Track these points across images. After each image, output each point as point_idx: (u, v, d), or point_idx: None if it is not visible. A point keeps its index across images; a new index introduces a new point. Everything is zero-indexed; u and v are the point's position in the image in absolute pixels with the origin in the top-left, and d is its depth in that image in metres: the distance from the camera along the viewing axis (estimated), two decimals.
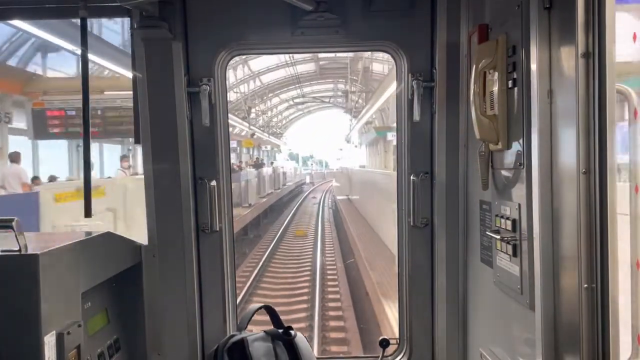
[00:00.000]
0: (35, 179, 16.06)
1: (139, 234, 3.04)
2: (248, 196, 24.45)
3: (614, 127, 1.71)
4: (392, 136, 25.83)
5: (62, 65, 19.37)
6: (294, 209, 34.59)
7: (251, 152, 42.23)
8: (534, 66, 1.96)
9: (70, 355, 2.16)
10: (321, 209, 35.23)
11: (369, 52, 24.45)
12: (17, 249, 2.02)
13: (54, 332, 2.07)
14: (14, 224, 2.04)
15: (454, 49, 2.89)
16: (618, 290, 1.75)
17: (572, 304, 1.83)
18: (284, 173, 44.18)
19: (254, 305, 3.08)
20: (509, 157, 2.30)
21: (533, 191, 2.00)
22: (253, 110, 36.74)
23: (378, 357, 3.13)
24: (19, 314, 1.99)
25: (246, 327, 2.97)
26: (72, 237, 2.41)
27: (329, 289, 14.66)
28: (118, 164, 18.78)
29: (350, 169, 38.15)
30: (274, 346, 2.88)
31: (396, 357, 3.19)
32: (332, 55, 31.28)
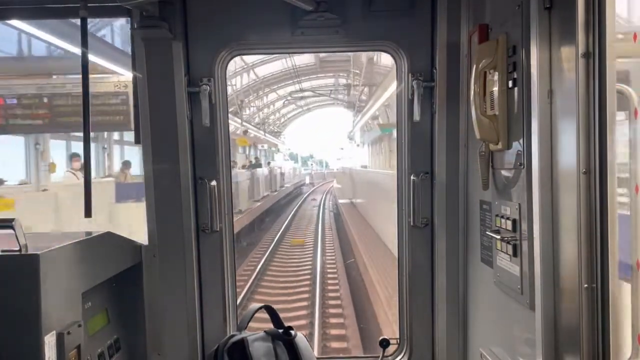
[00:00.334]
0: None
1: None
2: (239, 201, 21.41)
3: (614, 127, 1.71)
4: None
5: None
6: (292, 212, 31.82)
7: (247, 152, 39.89)
8: (534, 66, 1.96)
9: (71, 355, 2.16)
10: (321, 212, 32.48)
11: None
12: (17, 249, 2.02)
13: (54, 332, 2.07)
14: (14, 224, 2.04)
15: (454, 49, 2.89)
16: (618, 290, 1.75)
17: (572, 304, 1.83)
18: (282, 174, 42.12)
19: (254, 305, 3.08)
20: (509, 157, 2.30)
21: (533, 191, 2.00)
22: (248, 105, 34.46)
23: (378, 357, 3.13)
24: (19, 314, 2.00)
25: (246, 327, 2.97)
26: (73, 237, 2.41)
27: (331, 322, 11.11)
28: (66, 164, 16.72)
29: (353, 170, 35.54)
30: (274, 346, 2.88)
31: (396, 357, 3.19)
32: None
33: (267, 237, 21.74)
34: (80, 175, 14.80)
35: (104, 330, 2.66)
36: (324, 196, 43.86)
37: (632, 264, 2.08)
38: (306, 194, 48.25)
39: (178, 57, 2.91)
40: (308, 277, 14.97)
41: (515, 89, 2.20)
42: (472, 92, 2.41)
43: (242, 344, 2.83)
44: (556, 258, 1.93)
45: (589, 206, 1.76)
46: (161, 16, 2.79)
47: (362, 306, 11.96)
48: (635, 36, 2.01)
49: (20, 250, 2.02)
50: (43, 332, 2.00)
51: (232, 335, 2.91)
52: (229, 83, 3.25)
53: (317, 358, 3.05)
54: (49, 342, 2.04)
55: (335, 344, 10.08)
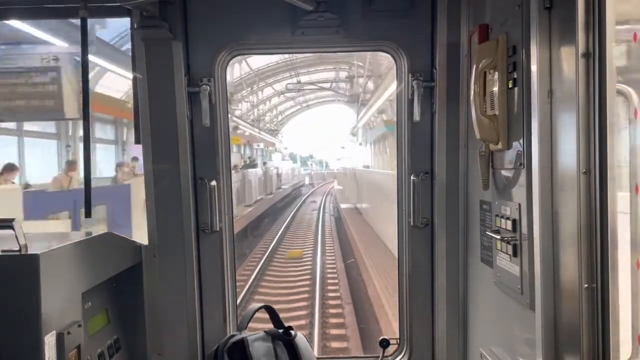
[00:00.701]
0: None
1: None
2: None
3: (614, 127, 1.71)
4: None
5: None
6: (289, 217, 28.47)
7: (242, 151, 36.40)
8: (534, 66, 1.96)
9: (71, 355, 2.16)
10: (321, 216, 29.19)
11: None
12: (17, 249, 2.02)
13: (54, 332, 2.07)
14: (14, 224, 2.04)
15: (454, 49, 2.89)
16: (618, 290, 1.75)
17: (572, 304, 1.83)
18: (279, 174, 38.67)
19: (254, 305, 3.08)
20: (509, 157, 2.30)
21: (533, 191, 2.00)
22: (240, 100, 31.43)
23: (378, 357, 3.13)
24: (19, 314, 1.99)
25: (246, 327, 2.97)
26: (72, 237, 2.41)
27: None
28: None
29: (357, 170, 31.37)
30: (274, 346, 2.88)
31: (396, 357, 3.19)
32: None
33: (259, 248, 18.98)
34: (15, 180, 12.19)
35: (104, 330, 2.66)
36: (323, 198, 41.36)
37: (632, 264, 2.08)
38: (305, 196, 45.30)
39: (178, 57, 2.91)
40: (305, 303, 12.33)
41: (515, 89, 2.20)
42: (472, 92, 2.41)
43: (242, 344, 2.83)
44: (556, 258, 1.93)
45: (589, 206, 1.76)
46: (161, 16, 2.80)
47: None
48: (635, 36, 2.01)
49: (20, 250, 2.02)
50: (43, 332, 2.00)
51: (232, 335, 2.91)
52: None
53: (317, 358, 3.04)
54: (49, 342, 2.04)
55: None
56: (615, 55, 1.72)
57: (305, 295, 12.95)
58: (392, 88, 18.31)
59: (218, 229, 3.07)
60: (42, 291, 1.98)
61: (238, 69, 29.27)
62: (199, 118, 2.99)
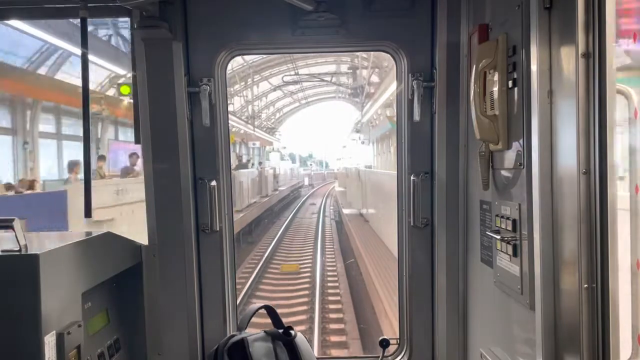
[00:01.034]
0: None
1: None
2: None
3: (614, 127, 1.71)
4: None
5: None
6: (286, 222, 25.97)
7: (237, 150, 33.26)
8: (534, 66, 1.96)
9: (71, 355, 2.16)
10: (321, 222, 26.38)
11: None
12: (17, 249, 2.02)
13: (54, 332, 2.07)
14: (14, 224, 2.04)
15: (454, 49, 2.89)
16: (618, 290, 1.75)
17: (572, 304, 1.83)
18: (276, 175, 36.09)
19: (254, 305, 3.08)
20: (509, 157, 2.30)
21: (533, 191, 2.00)
22: (233, 95, 28.33)
23: (378, 357, 3.13)
24: (19, 314, 1.99)
25: (246, 327, 2.97)
26: (72, 237, 2.41)
27: None
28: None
29: (362, 170, 28.16)
30: (274, 346, 2.87)
31: (396, 357, 3.19)
32: None
33: (249, 261, 16.94)
34: None
35: (104, 330, 2.66)
36: (323, 200, 39.30)
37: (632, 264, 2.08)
38: (304, 197, 43.24)
39: (178, 57, 2.91)
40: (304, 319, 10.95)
41: (515, 89, 2.20)
42: (472, 92, 2.41)
43: (242, 344, 2.83)
44: (556, 258, 1.93)
45: (589, 206, 1.76)
46: (161, 16, 2.79)
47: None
48: (635, 36, 2.01)
49: (20, 250, 2.02)
50: (43, 332, 2.00)
51: (232, 335, 2.91)
52: None
53: (317, 358, 3.04)
54: (49, 342, 2.04)
55: None
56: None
57: (303, 326, 10.96)
58: None
59: (218, 229, 3.07)
60: (42, 291, 1.98)
61: (231, 61, 27.37)
62: (199, 118, 2.99)
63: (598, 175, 1.73)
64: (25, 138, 17.37)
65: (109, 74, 19.57)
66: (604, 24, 1.70)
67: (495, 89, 2.31)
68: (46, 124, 18.64)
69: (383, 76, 25.01)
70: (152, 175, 2.98)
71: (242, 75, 29.12)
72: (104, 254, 2.60)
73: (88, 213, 2.85)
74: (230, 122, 3.16)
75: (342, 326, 11.22)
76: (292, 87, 39.60)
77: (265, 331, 2.95)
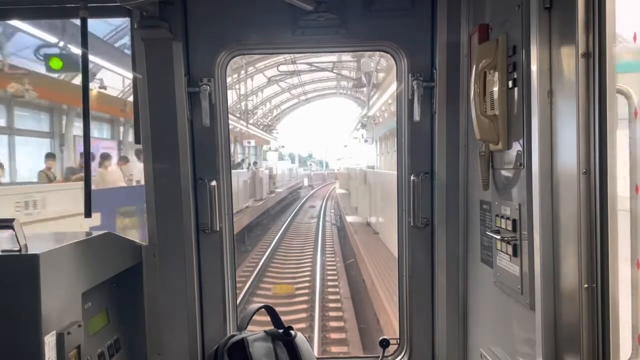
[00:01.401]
0: None
1: None
2: None
3: (614, 127, 1.71)
4: None
5: None
6: (282, 229, 23.21)
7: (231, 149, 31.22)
8: (534, 66, 1.96)
9: (71, 356, 2.16)
10: (322, 228, 23.76)
11: None
12: (17, 249, 2.02)
13: (54, 332, 2.07)
14: (14, 224, 2.04)
15: (454, 49, 2.89)
16: (618, 290, 1.75)
17: (572, 304, 1.83)
18: (272, 176, 33.28)
19: (254, 305, 3.08)
20: (509, 157, 2.30)
21: (533, 191, 2.00)
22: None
23: (378, 357, 3.13)
24: (19, 314, 2.00)
25: (246, 327, 2.97)
26: (73, 237, 2.41)
27: None
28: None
29: (370, 172, 24.21)
30: (274, 346, 2.87)
31: (396, 357, 3.19)
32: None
33: (239, 278, 13.06)
34: None
35: (104, 330, 2.66)
36: (324, 202, 36.35)
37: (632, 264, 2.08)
38: (304, 199, 40.19)
39: (178, 57, 2.91)
40: None
41: (515, 89, 2.20)
42: (472, 92, 2.41)
43: (242, 344, 2.83)
44: (556, 258, 1.93)
45: (589, 206, 1.76)
46: (161, 16, 2.80)
47: None
48: (635, 36, 2.01)
49: (20, 250, 2.02)
50: (43, 332, 2.00)
51: (232, 336, 2.91)
52: None
53: (318, 358, 3.04)
54: (49, 342, 2.04)
55: None
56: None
57: None
58: None
59: (218, 229, 3.07)
60: (42, 291, 1.98)
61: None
62: (199, 118, 3.00)
63: (598, 175, 1.73)
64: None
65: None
66: (604, 24, 1.70)
67: (495, 89, 2.31)
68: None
69: (392, 62, 23.30)
70: (152, 175, 2.98)
71: (235, 67, 27.19)
72: (104, 254, 2.60)
73: (88, 213, 2.85)
74: None
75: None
76: (289, 81, 37.09)
77: (265, 331, 2.95)
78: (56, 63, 10.93)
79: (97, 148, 18.11)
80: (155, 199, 2.99)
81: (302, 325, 11.35)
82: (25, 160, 16.58)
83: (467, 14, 2.83)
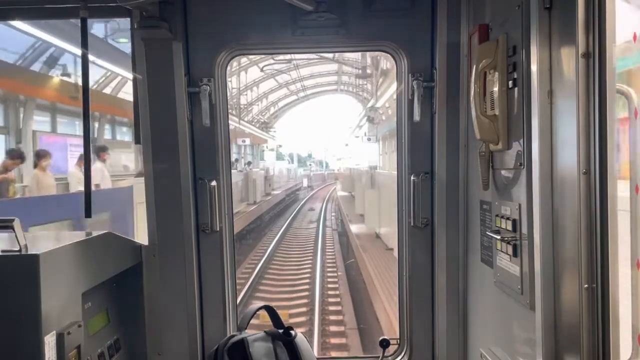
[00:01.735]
0: None
1: None
2: None
3: (614, 127, 1.71)
4: None
5: None
6: (277, 237, 20.45)
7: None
8: (534, 66, 1.96)
9: (71, 356, 2.16)
10: (321, 232, 21.70)
11: None
12: (17, 249, 2.02)
13: (54, 332, 2.07)
14: (14, 224, 2.04)
15: (454, 49, 2.89)
16: (618, 291, 1.75)
17: (572, 304, 1.83)
18: (268, 177, 30.89)
19: (254, 306, 3.08)
20: (509, 157, 2.30)
21: (533, 191, 2.00)
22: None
23: (378, 357, 3.13)
24: (19, 314, 1.99)
25: (246, 327, 2.97)
26: (73, 237, 2.41)
27: None
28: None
29: (380, 173, 20.35)
30: (275, 346, 2.87)
31: (396, 357, 3.19)
32: None
33: None
34: None
35: (104, 330, 2.66)
36: (324, 205, 34.11)
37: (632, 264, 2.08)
38: (302, 201, 37.59)
39: (178, 57, 2.92)
40: None
41: (515, 89, 2.20)
42: (472, 92, 2.41)
43: (242, 344, 2.83)
44: (556, 258, 1.93)
45: (589, 206, 1.76)
46: (161, 16, 2.80)
47: None
48: (635, 36, 2.01)
49: (20, 251, 2.02)
50: (43, 332, 2.00)
51: (232, 336, 2.91)
52: None
53: (318, 358, 3.04)
54: (49, 342, 2.04)
55: None
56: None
57: None
58: None
59: (218, 229, 3.07)
60: (42, 291, 1.98)
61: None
62: (199, 118, 3.00)
63: (598, 175, 1.74)
64: (17, 137, 16.48)
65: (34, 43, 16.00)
66: (604, 24, 1.70)
67: (496, 89, 2.31)
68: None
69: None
70: (152, 175, 2.98)
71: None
72: (104, 254, 2.60)
73: (88, 213, 2.85)
74: None
75: None
76: (286, 76, 35.25)
77: (265, 331, 2.95)
78: None
79: (61, 146, 16.66)
80: (155, 199, 2.99)
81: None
82: None
83: (467, 14, 2.83)
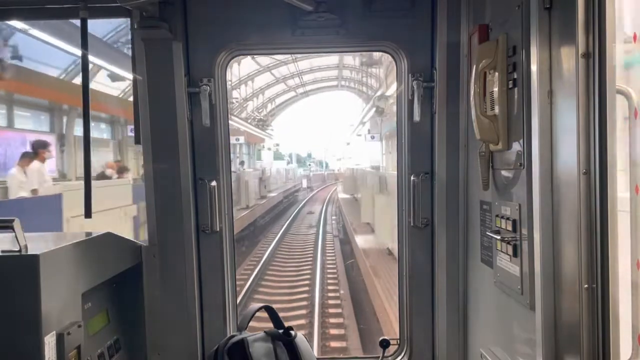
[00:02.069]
0: None
1: None
2: None
3: (614, 127, 1.71)
4: None
5: None
6: (271, 247, 17.95)
7: None
8: (534, 66, 1.96)
9: (71, 356, 2.16)
10: (321, 238, 19.70)
11: None
12: (17, 249, 2.02)
13: (54, 332, 2.07)
14: (14, 224, 2.04)
15: (454, 49, 2.89)
16: (618, 291, 1.75)
17: (572, 304, 1.83)
18: (264, 179, 28.76)
19: (254, 306, 3.08)
20: (509, 157, 2.30)
21: (533, 191, 2.00)
22: None
23: (378, 357, 3.13)
24: (19, 314, 2.00)
25: (246, 327, 2.97)
26: (72, 237, 2.41)
27: None
28: None
29: (388, 174, 17.09)
30: (274, 347, 2.87)
31: (396, 357, 3.19)
32: None
33: None
34: None
35: (104, 330, 2.66)
36: (324, 207, 31.96)
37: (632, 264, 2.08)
38: (301, 203, 35.17)
39: (178, 58, 2.92)
40: None
41: (515, 89, 2.20)
42: (472, 92, 2.41)
43: (242, 345, 2.83)
44: (556, 258, 1.93)
45: (589, 206, 1.76)
46: (161, 16, 2.80)
47: None
48: (635, 36, 2.01)
49: (20, 251, 2.02)
50: (43, 333, 2.00)
51: (232, 336, 2.91)
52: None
53: (318, 359, 3.05)
54: (49, 342, 2.04)
55: None
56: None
57: None
58: None
59: (218, 229, 3.07)
60: (42, 291, 1.98)
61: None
62: (199, 118, 3.00)
63: (598, 175, 1.74)
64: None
65: None
66: (604, 24, 1.70)
67: (496, 89, 2.31)
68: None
69: None
70: (152, 176, 2.98)
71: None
72: (104, 254, 2.60)
73: (88, 213, 2.85)
74: None
75: None
76: (284, 69, 33.34)
77: (265, 331, 2.95)
78: None
79: (22, 142, 14.39)
80: (155, 199, 2.99)
81: None
82: None
83: (467, 14, 2.83)
